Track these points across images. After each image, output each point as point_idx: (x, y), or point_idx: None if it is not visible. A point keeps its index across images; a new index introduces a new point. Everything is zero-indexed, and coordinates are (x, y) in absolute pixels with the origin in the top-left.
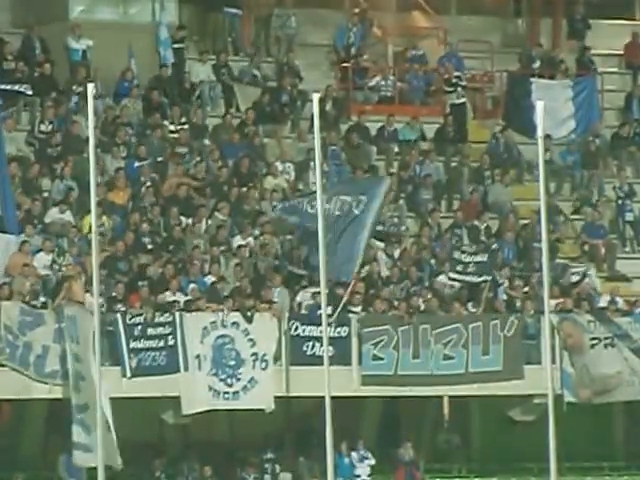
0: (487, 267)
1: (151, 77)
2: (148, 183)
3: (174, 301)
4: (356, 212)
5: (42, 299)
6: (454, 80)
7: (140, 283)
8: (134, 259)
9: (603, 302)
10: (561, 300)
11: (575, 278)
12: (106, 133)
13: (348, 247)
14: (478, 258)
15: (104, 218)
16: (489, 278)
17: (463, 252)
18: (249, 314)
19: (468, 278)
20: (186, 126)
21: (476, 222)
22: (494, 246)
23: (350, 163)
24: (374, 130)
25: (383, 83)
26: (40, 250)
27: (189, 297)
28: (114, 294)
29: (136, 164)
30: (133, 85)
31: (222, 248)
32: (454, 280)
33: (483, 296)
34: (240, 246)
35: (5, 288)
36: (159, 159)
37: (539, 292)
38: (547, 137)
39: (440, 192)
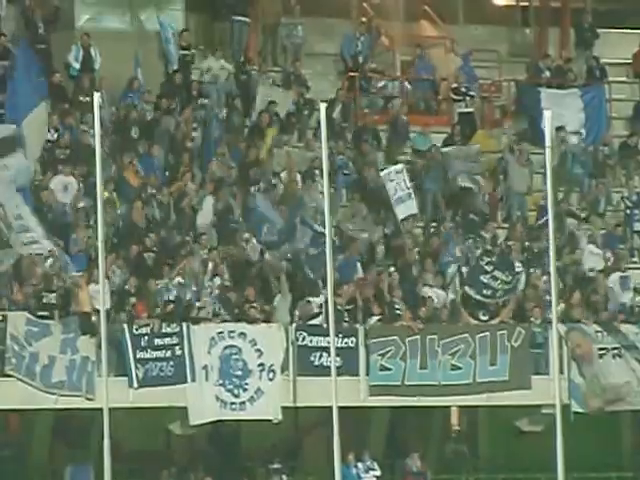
0: (512, 289)
1: (161, 82)
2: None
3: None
4: None
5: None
6: (463, 89)
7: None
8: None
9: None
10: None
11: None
12: (115, 137)
13: None
14: (505, 283)
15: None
16: (512, 296)
17: (493, 277)
18: (255, 324)
19: (492, 301)
20: (195, 133)
21: (482, 232)
22: (519, 269)
23: (357, 172)
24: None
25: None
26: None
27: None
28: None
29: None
30: (140, 93)
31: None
32: (475, 299)
33: (506, 312)
34: None
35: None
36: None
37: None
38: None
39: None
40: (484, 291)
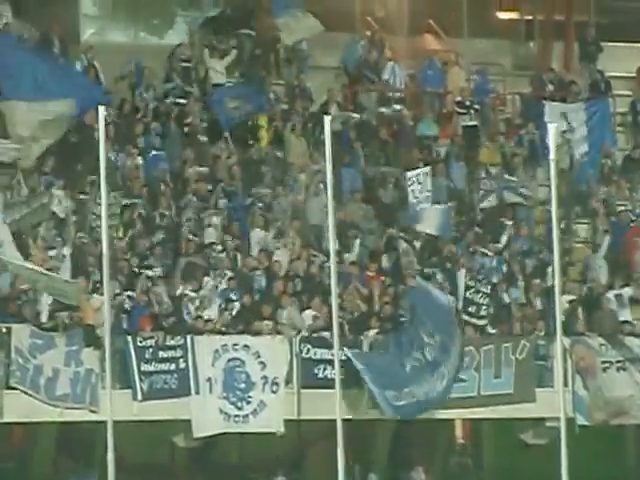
0: (492, 303)
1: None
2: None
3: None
4: None
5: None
6: (467, 102)
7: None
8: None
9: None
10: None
11: None
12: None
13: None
14: (485, 296)
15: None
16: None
17: (476, 291)
18: (259, 336)
19: (478, 321)
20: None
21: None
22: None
23: (363, 185)
24: None
25: None
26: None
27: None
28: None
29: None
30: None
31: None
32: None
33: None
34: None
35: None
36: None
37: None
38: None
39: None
40: (469, 308)
